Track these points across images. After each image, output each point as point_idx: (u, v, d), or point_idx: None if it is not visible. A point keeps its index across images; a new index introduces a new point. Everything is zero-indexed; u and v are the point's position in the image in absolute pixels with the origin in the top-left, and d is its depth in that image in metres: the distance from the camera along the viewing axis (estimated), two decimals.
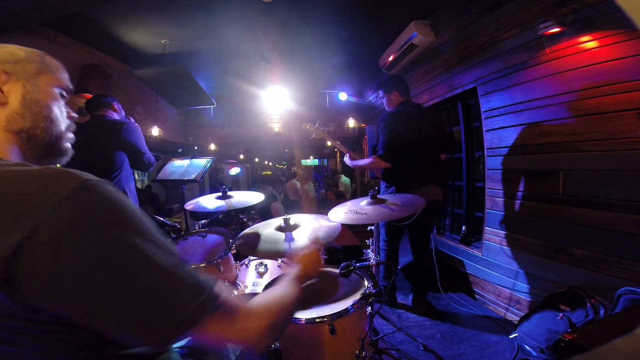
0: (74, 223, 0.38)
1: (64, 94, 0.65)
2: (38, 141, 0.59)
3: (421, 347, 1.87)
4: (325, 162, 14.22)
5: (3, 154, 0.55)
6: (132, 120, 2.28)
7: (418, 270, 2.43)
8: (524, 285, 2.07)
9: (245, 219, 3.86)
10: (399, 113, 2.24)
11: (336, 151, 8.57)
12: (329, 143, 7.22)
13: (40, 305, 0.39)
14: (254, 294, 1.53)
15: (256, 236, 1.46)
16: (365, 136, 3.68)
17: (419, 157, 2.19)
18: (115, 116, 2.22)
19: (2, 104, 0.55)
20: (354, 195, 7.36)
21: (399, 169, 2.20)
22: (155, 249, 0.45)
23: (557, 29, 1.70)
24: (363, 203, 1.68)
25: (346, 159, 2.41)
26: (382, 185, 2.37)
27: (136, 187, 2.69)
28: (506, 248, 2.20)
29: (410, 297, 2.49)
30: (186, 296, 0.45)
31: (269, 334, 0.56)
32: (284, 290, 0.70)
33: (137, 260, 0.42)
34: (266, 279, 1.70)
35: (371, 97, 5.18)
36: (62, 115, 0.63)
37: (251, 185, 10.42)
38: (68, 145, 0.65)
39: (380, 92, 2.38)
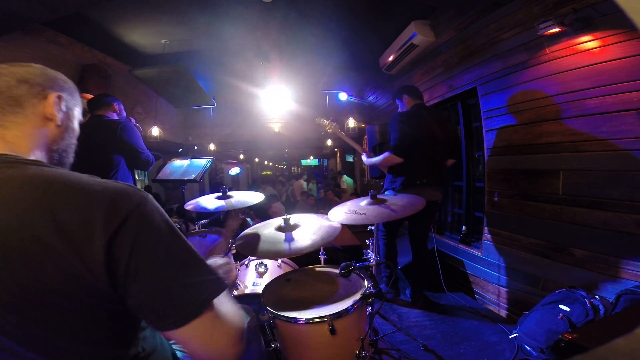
0: (147, 217, 0.53)
1: None
2: (61, 161, 0.67)
3: (421, 347, 1.87)
4: (325, 162, 14.22)
5: None
6: (134, 120, 2.27)
7: (416, 266, 2.46)
8: (523, 286, 2.07)
9: (245, 217, 3.85)
10: (411, 113, 2.32)
11: (336, 151, 8.56)
12: (329, 142, 7.23)
13: (123, 284, 0.50)
14: (254, 294, 1.53)
15: (256, 236, 1.46)
16: (365, 136, 3.69)
17: (426, 157, 2.25)
18: (115, 116, 2.21)
19: (57, 125, 0.63)
20: (354, 195, 7.35)
21: (405, 165, 2.25)
22: (187, 240, 0.58)
23: (557, 29, 1.70)
24: (363, 203, 1.68)
25: (363, 158, 2.51)
26: (388, 178, 2.39)
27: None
28: (506, 248, 2.20)
29: (409, 292, 2.52)
30: (210, 281, 0.57)
31: (242, 340, 0.60)
32: (234, 304, 0.70)
33: (184, 244, 0.56)
34: (266, 279, 1.70)
35: (371, 97, 5.18)
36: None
37: (251, 186, 10.44)
38: None
39: (396, 101, 2.51)
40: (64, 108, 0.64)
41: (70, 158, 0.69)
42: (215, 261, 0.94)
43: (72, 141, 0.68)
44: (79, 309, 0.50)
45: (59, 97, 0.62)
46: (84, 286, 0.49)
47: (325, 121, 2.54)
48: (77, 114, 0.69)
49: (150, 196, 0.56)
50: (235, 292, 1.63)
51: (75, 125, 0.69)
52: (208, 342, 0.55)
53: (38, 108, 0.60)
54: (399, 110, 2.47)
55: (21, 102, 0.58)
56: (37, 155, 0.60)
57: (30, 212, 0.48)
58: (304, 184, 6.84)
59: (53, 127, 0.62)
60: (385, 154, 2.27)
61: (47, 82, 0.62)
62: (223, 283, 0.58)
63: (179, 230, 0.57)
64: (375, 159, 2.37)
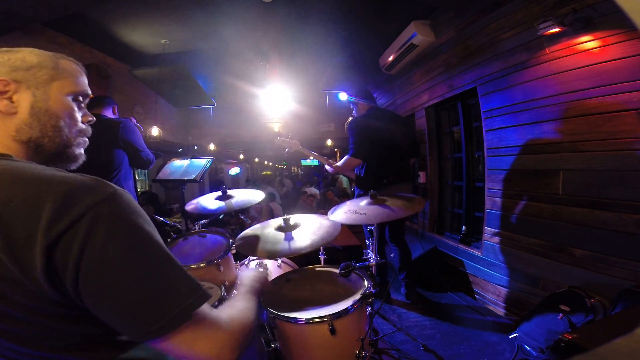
0: (108, 218, 0.46)
1: (80, 98, 0.65)
2: (45, 149, 0.59)
3: (421, 347, 1.87)
4: None
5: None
6: (134, 120, 2.28)
7: (403, 263, 2.50)
8: (523, 286, 2.07)
9: (244, 218, 3.85)
10: (366, 116, 2.48)
11: (336, 151, 8.56)
12: (329, 142, 7.23)
13: (67, 288, 0.45)
14: None
15: (256, 236, 1.46)
16: None
17: (386, 156, 2.35)
18: (111, 115, 2.22)
19: (12, 113, 0.56)
20: (353, 195, 7.34)
21: (368, 168, 2.38)
22: (163, 248, 0.52)
23: (557, 29, 1.69)
24: (363, 203, 1.68)
25: (327, 168, 2.59)
26: (356, 191, 2.53)
27: (136, 187, 2.69)
28: (506, 248, 2.20)
29: (402, 290, 2.55)
30: (185, 290, 0.51)
31: (239, 349, 0.55)
32: (249, 304, 0.68)
33: (153, 252, 0.50)
34: None
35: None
36: (73, 122, 0.63)
37: (247, 182, 10.49)
38: (79, 151, 0.65)
39: (351, 106, 2.64)
40: (15, 91, 0.56)
41: (55, 146, 0.60)
42: (249, 273, 0.94)
43: (52, 123, 0.59)
44: (34, 316, 0.47)
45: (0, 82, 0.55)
46: (27, 294, 0.45)
47: (285, 140, 2.60)
48: (55, 92, 0.59)
49: (122, 192, 0.49)
50: (236, 292, 1.63)
51: (52, 106, 0.59)
52: (193, 352, 0.50)
53: None
54: (354, 114, 2.61)
55: None
56: (8, 149, 0.55)
57: None
58: (316, 190, 6.88)
59: (5, 117, 0.56)
60: (345, 158, 2.39)
61: None
62: (204, 293, 0.52)
63: (153, 235, 0.51)
64: (338, 164, 2.47)
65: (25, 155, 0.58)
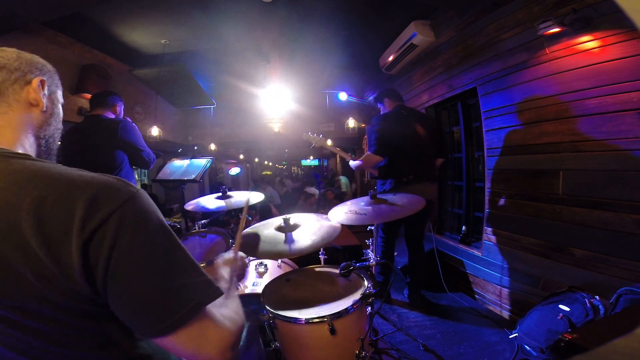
0: (133, 216, 0.49)
1: None
2: (49, 148, 0.64)
3: (421, 347, 1.87)
4: (325, 162, 14.23)
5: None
6: (129, 120, 2.27)
7: (412, 266, 2.47)
8: (523, 286, 2.07)
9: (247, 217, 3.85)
10: (390, 114, 2.45)
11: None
12: (329, 142, 7.24)
13: (102, 289, 0.47)
14: (254, 294, 1.53)
15: (256, 236, 1.46)
16: (365, 136, 3.70)
17: (408, 154, 2.31)
18: (112, 116, 2.20)
19: (43, 112, 0.61)
20: (354, 195, 7.35)
21: (389, 165, 2.35)
22: (180, 244, 0.55)
23: (557, 29, 1.70)
24: (363, 203, 1.68)
25: (351, 164, 2.51)
26: (378, 183, 2.49)
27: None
28: (506, 248, 2.20)
29: (406, 292, 2.53)
30: (200, 286, 0.53)
31: (236, 348, 0.56)
32: (235, 301, 0.68)
33: (172, 248, 0.53)
34: (266, 279, 1.70)
35: (371, 97, 5.18)
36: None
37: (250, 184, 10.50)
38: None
39: (378, 105, 2.63)
40: (47, 92, 0.61)
41: (57, 145, 0.67)
42: (226, 256, 0.94)
43: (58, 126, 0.66)
44: (64, 315, 0.48)
45: (42, 82, 0.60)
46: (62, 292, 0.46)
47: (312, 135, 2.63)
48: (60, 97, 0.66)
49: (142, 192, 0.53)
50: (236, 292, 1.63)
51: (59, 109, 0.66)
52: (197, 349, 0.51)
53: (21, 94, 0.57)
54: (382, 111, 2.59)
55: (1, 90, 0.55)
56: (24, 143, 0.58)
57: (10, 209, 0.45)
58: (316, 190, 6.91)
59: (38, 113, 0.60)
60: (366, 154, 2.37)
61: (27, 67, 0.58)
62: (217, 289, 0.55)
63: (171, 232, 0.53)
64: (359, 161, 2.41)
65: (37, 152, 0.61)
